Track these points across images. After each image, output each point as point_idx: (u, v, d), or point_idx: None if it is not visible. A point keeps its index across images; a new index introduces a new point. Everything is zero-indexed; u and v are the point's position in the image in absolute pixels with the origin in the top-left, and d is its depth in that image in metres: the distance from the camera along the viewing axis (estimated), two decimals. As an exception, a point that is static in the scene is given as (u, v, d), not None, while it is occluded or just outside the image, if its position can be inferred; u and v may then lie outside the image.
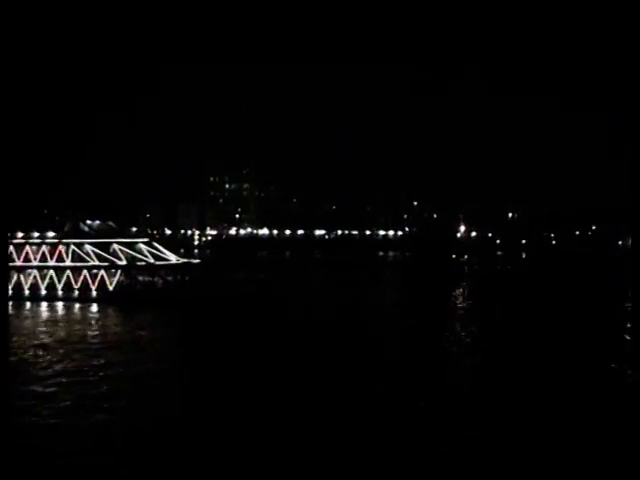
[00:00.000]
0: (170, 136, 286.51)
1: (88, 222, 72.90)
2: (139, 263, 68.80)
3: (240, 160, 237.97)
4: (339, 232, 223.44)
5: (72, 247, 69.69)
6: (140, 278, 68.88)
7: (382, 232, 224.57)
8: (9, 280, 70.89)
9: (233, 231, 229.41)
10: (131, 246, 70.33)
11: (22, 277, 70.79)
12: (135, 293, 67.44)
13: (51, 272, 69.89)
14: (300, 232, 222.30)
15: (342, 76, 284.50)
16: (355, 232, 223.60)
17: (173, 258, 71.43)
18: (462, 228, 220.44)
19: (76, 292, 68.67)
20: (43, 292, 69.75)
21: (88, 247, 69.42)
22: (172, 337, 52.01)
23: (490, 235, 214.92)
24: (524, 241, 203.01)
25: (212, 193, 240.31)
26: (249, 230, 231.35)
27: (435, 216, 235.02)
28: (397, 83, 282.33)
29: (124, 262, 68.32)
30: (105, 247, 69.46)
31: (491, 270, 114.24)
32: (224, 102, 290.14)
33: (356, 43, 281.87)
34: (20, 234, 75.04)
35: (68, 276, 69.16)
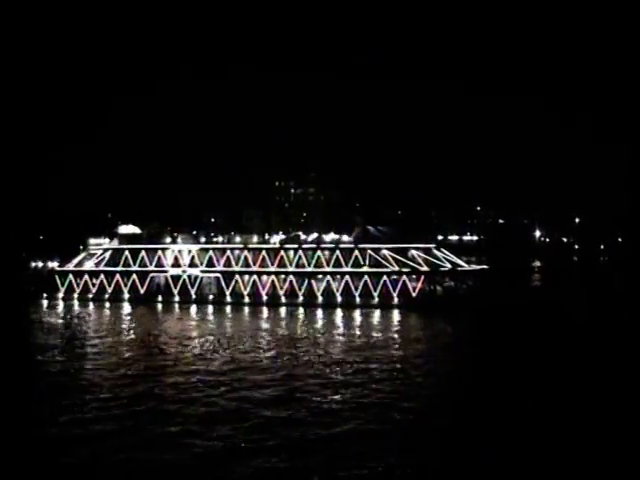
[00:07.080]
0: (237, 140, 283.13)
1: (379, 227, 71.53)
2: (441, 269, 67.45)
3: (305, 164, 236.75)
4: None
5: (369, 252, 68.22)
6: (443, 284, 67.54)
7: (455, 237, 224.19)
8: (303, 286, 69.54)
9: (303, 235, 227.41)
10: (427, 251, 68.99)
11: (314, 283, 69.30)
12: (438, 300, 66.05)
13: (346, 278, 68.34)
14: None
15: (403, 80, 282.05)
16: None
17: (464, 264, 70.09)
18: (537, 233, 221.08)
19: (375, 298, 67.17)
20: (339, 298, 68.19)
21: (386, 252, 67.95)
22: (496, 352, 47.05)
23: (565, 240, 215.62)
24: (602, 246, 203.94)
25: (278, 198, 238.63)
26: (315, 235, 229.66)
27: (501, 221, 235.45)
28: (453, 85, 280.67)
29: (426, 268, 66.91)
30: (403, 252, 68.04)
31: None
32: (288, 106, 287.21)
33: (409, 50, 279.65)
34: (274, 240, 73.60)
35: (365, 282, 67.64)
